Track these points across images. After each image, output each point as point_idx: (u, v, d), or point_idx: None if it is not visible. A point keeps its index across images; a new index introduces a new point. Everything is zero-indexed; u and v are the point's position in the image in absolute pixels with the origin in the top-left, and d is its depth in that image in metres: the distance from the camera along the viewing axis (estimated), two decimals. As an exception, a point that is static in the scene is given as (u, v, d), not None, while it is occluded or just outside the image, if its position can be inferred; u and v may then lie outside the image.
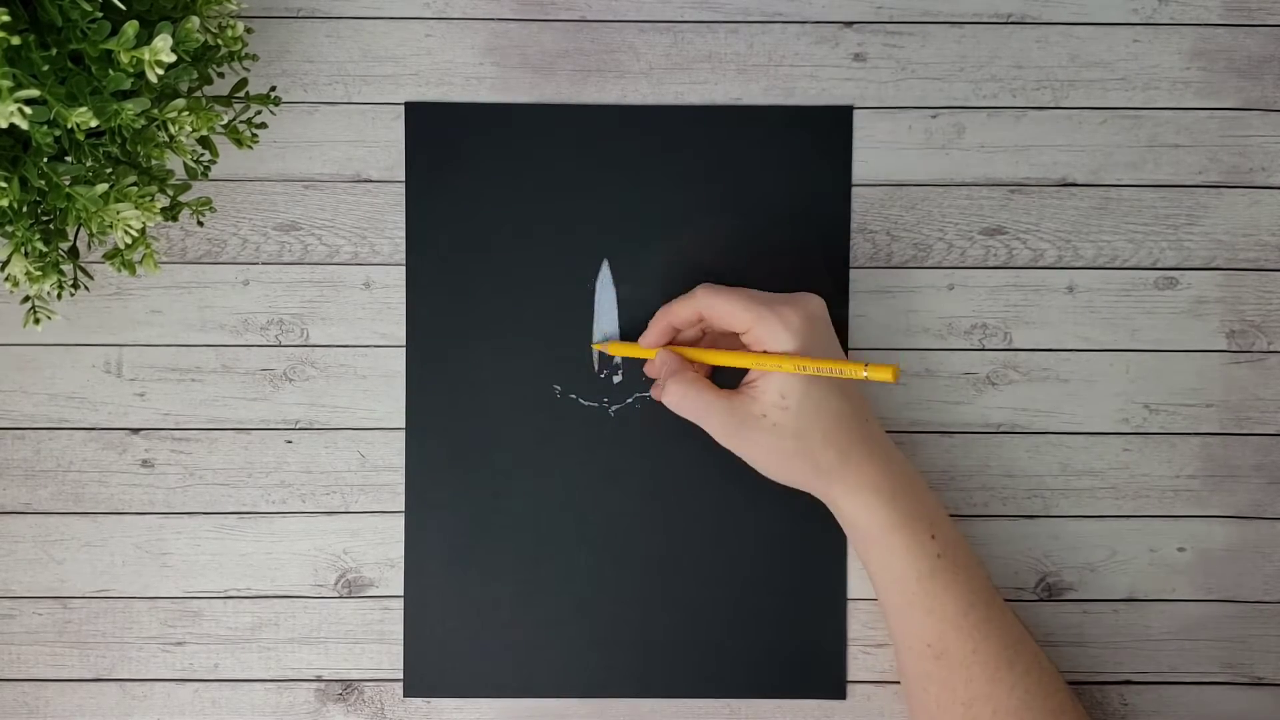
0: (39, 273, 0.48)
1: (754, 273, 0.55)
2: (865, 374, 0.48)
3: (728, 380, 0.53)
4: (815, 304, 0.51)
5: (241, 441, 0.56)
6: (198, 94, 0.51)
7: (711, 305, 0.51)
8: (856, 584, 0.56)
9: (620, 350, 0.55)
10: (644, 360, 0.55)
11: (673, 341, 0.53)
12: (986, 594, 0.51)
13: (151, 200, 0.47)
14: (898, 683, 0.56)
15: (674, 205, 0.56)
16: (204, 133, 0.48)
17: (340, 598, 0.56)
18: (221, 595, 0.56)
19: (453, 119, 0.56)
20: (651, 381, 0.55)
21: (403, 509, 0.56)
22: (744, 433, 0.50)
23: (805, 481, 0.51)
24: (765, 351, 0.50)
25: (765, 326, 0.50)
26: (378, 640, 0.56)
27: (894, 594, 0.51)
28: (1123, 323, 0.56)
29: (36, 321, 0.50)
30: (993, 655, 0.50)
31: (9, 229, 0.47)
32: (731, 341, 0.53)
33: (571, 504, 0.56)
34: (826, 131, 0.56)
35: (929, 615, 0.50)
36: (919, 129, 0.56)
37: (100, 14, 0.43)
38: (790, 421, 0.49)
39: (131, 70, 0.43)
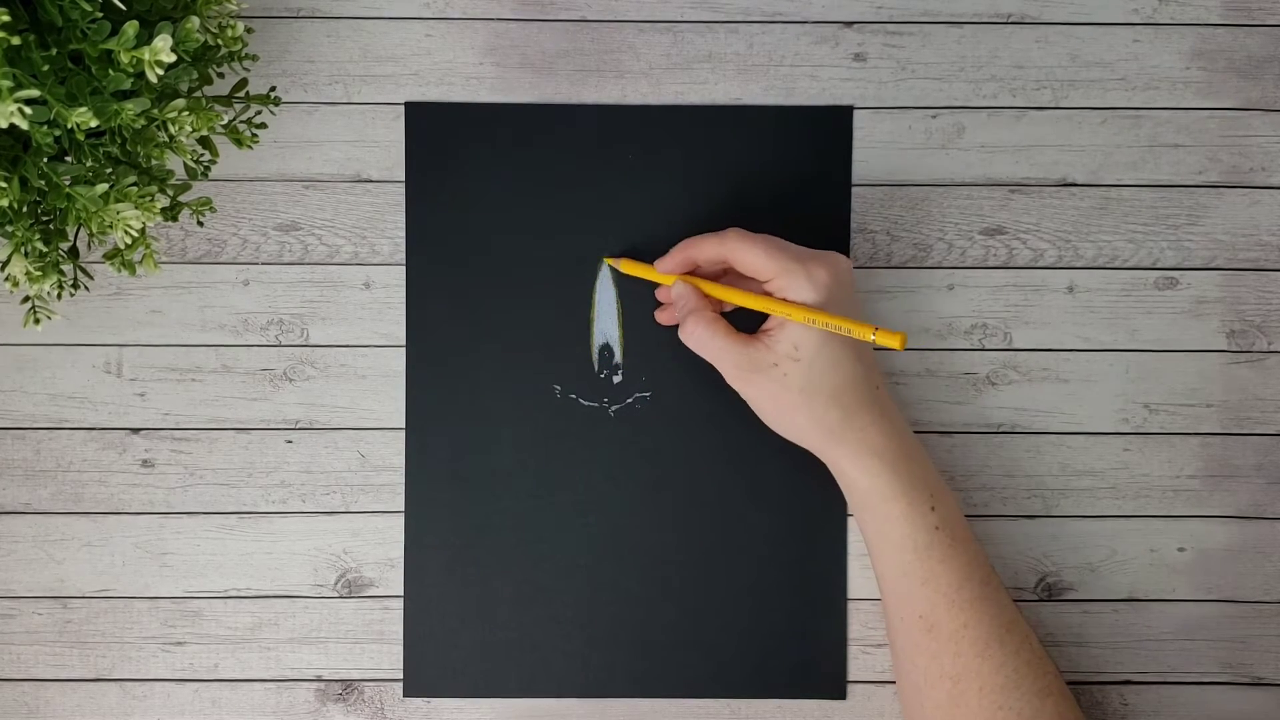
0: (39, 273, 0.48)
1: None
2: (873, 337, 0.48)
3: (743, 324, 0.52)
4: (843, 264, 0.51)
5: (241, 441, 0.56)
6: (198, 94, 0.51)
7: (740, 250, 0.51)
8: (856, 584, 0.56)
9: (634, 269, 0.55)
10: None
11: (691, 273, 0.53)
12: (982, 571, 0.51)
13: (151, 200, 0.47)
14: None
15: (674, 205, 0.56)
16: (204, 133, 0.48)
17: (340, 598, 0.56)
18: (221, 595, 0.56)
19: (453, 119, 0.56)
20: (658, 305, 0.55)
21: (403, 509, 0.56)
22: (754, 378, 0.50)
23: (807, 437, 0.51)
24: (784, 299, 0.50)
25: (790, 278, 0.50)
26: (378, 640, 0.56)
27: (889, 563, 0.51)
28: (1123, 323, 0.56)
29: (36, 321, 0.50)
30: (983, 632, 0.50)
31: (9, 229, 0.47)
32: (751, 284, 0.53)
33: (571, 504, 0.56)
34: (826, 131, 0.56)
35: (923, 586, 0.50)
36: (919, 129, 0.56)
37: (100, 14, 0.43)
38: (800, 374, 0.50)
39: (131, 70, 0.43)
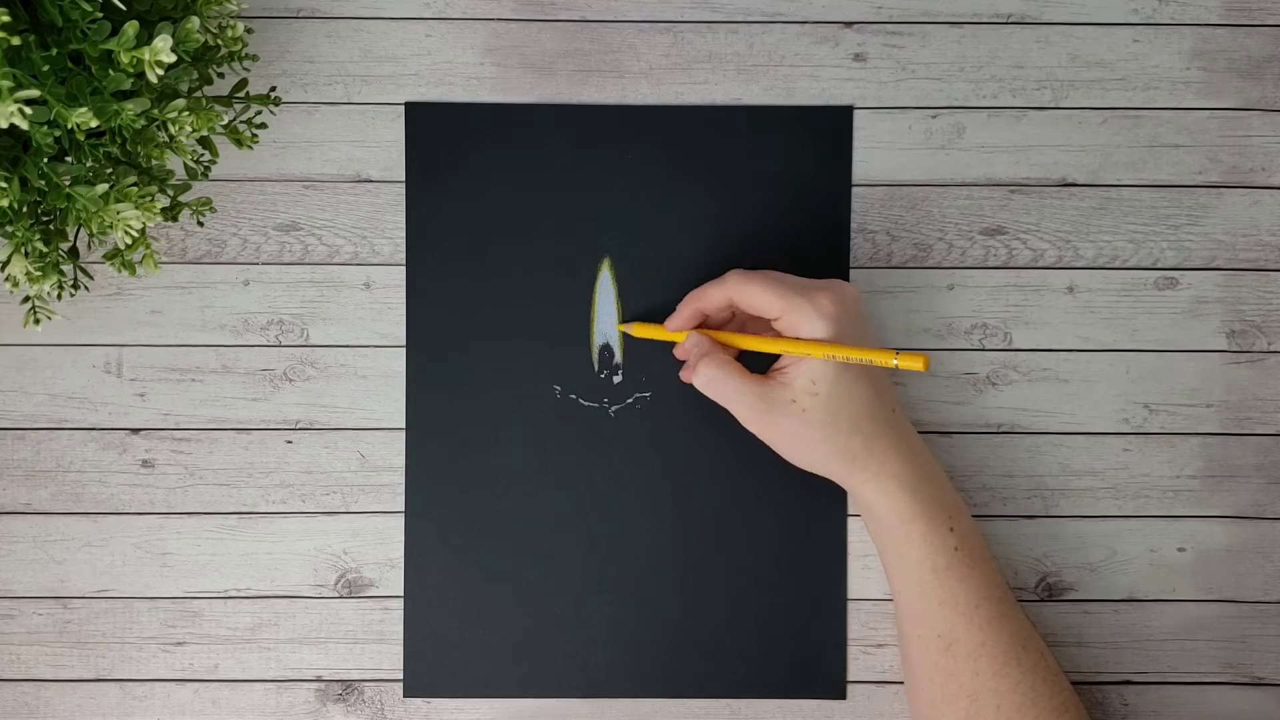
0: (39, 273, 0.48)
1: (754, 273, 0.55)
2: (896, 363, 0.48)
3: (755, 365, 0.52)
4: (849, 291, 0.51)
5: (241, 441, 0.56)
6: (198, 94, 0.51)
7: (743, 292, 0.51)
8: (856, 584, 0.56)
9: (646, 332, 0.55)
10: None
11: (701, 325, 0.53)
12: (999, 589, 0.51)
13: (151, 200, 0.47)
14: (898, 683, 0.56)
15: (674, 205, 0.56)
16: (204, 133, 0.48)
17: (340, 598, 0.56)
18: (221, 595, 0.56)
19: (453, 119, 0.56)
20: (680, 365, 0.55)
21: (403, 509, 0.56)
22: (772, 418, 0.50)
23: (828, 468, 0.51)
24: (797, 338, 0.50)
25: (799, 314, 0.50)
26: (378, 640, 0.56)
27: (908, 583, 0.51)
28: (1123, 323, 0.56)
29: (36, 321, 0.50)
30: (1001, 650, 0.50)
31: (9, 229, 0.47)
32: (762, 325, 0.53)
33: (571, 504, 0.56)
34: (826, 131, 0.56)
35: (941, 606, 0.50)
36: (919, 129, 0.56)
37: (100, 14, 0.43)
38: (820, 408, 0.49)
39: (131, 70, 0.43)
